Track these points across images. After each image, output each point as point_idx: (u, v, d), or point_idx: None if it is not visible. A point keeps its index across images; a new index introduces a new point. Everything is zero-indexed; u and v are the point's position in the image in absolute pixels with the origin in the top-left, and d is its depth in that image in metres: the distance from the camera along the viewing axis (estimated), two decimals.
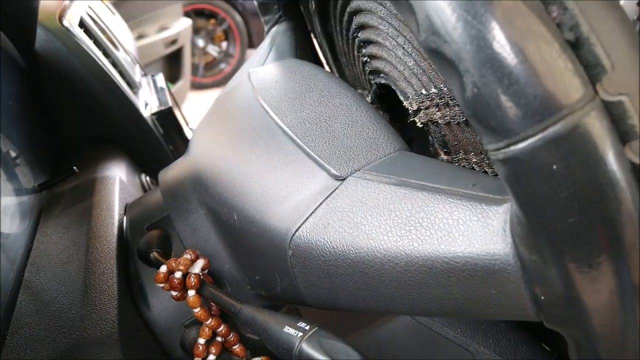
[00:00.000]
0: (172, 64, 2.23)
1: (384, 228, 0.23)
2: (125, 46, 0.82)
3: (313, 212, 0.25)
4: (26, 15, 0.43)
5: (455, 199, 0.22)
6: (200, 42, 3.87)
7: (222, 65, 4.02)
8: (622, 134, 0.18)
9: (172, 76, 2.23)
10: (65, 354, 0.25)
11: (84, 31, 0.61)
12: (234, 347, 0.29)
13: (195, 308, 0.27)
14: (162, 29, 2.10)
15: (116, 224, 0.35)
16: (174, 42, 2.13)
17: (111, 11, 1.22)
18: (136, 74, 0.72)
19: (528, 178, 0.17)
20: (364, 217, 0.24)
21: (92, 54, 0.57)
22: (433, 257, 0.22)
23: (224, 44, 4.04)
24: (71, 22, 0.57)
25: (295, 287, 0.27)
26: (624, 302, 0.19)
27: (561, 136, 0.17)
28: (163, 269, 0.28)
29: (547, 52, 0.17)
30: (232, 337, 0.29)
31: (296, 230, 0.25)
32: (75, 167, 0.44)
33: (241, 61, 4.03)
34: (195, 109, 3.47)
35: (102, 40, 0.64)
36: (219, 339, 0.29)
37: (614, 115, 0.18)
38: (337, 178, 0.26)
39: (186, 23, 2.28)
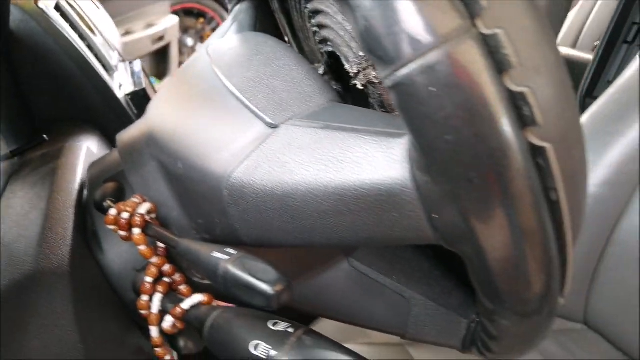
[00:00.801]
0: (159, 61, 2.26)
1: (306, 164, 0.26)
2: (105, 34, 0.84)
3: (248, 156, 0.28)
4: None
5: (367, 135, 0.25)
6: (190, 41, 3.88)
7: None
8: (498, 64, 0.20)
9: (160, 73, 2.26)
10: (19, 283, 0.27)
11: (60, 15, 0.63)
12: (181, 287, 0.32)
13: (140, 245, 0.30)
14: (149, 26, 2.12)
15: (78, 180, 0.38)
16: (161, 38, 2.15)
17: (95, 5, 1.24)
18: (113, 58, 0.75)
19: (411, 101, 0.20)
20: (290, 157, 0.27)
21: (67, 35, 0.59)
22: (345, 186, 0.25)
23: None
24: (47, 5, 0.60)
25: (232, 226, 0.29)
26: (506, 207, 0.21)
27: (438, 61, 0.19)
28: (112, 211, 0.31)
29: None
30: (178, 277, 0.32)
31: (231, 173, 0.28)
32: (45, 136, 0.47)
33: None
34: None
35: (78, 24, 0.67)
36: (165, 279, 0.32)
37: (491, 46, 0.20)
38: (271, 126, 0.29)
39: (173, 20, 2.31)
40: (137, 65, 0.79)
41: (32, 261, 0.29)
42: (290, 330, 0.26)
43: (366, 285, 0.36)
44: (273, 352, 0.25)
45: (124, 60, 0.85)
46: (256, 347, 0.26)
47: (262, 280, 0.25)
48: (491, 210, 0.21)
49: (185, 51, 3.94)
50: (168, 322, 0.30)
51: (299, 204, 0.27)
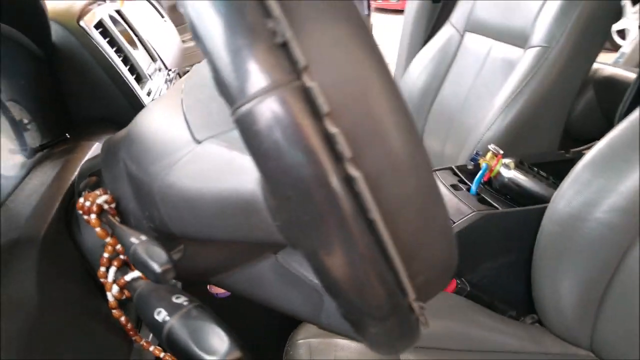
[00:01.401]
0: None
1: (205, 175, 0.33)
2: (153, 46, 0.96)
3: (175, 164, 0.35)
4: (37, 16, 0.56)
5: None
6: None
7: None
8: (315, 110, 0.26)
9: None
10: (10, 240, 0.37)
11: (102, 31, 0.74)
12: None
13: (96, 228, 0.38)
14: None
15: (76, 172, 0.47)
16: None
17: (161, 14, 1.37)
18: (149, 68, 0.85)
19: (247, 134, 0.26)
20: (198, 167, 0.34)
21: (102, 50, 0.70)
22: (227, 193, 0.31)
23: None
24: (88, 23, 0.71)
25: (163, 219, 0.37)
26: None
27: (263, 106, 0.25)
28: (81, 200, 0.39)
29: (257, 51, 0.25)
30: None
31: (162, 177, 0.36)
32: (67, 134, 0.57)
33: None
34: None
35: (118, 39, 0.78)
36: (121, 256, 0.39)
37: (310, 96, 0.26)
38: (197, 141, 0.36)
39: None
40: (172, 73, 0.89)
41: (21, 228, 0.38)
42: (185, 303, 0.33)
43: (288, 277, 0.42)
44: (167, 318, 0.32)
45: (167, 69, 0.96)
46: (159, 313, 0.33)
47: (154, 261, 0.31)
48: (305, 223, 0.27)
49: None
50: (115, 289, 0.38)
51: (201, 205, 0.33)
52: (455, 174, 1.08)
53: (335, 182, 0.26)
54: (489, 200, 0.97)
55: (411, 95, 1.58)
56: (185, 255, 0.40)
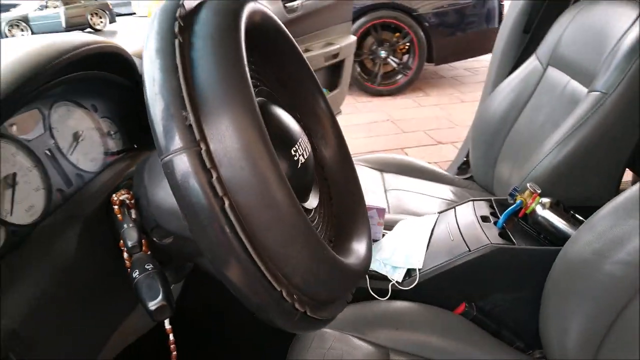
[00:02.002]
0: (332, 74, 2.58)
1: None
2: None
3: (160, 182, 0.53)
4: (122, 61, 0.77)
5: None
6: (383, 53, 4.20)
7: (399, 76, 4.29)
8: (203, 165, 0.42)
9: (331, 84, 2.59)
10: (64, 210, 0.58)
11: None
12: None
13: (117, 214, 0.57)
14: (328, 44, 2.45)
15: (126, 174, 0.67)
16: (335, 55, 2.47)
17: None
18: None
19: (166, 174, 0.43)
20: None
21: None
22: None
23: (405, 57, 4.31)
24: None
25: (156, 218, 0.55)
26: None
27: (173, 159, 0.42)
28: (114, 195, 0.58)
29: (175, 127, 0.42)
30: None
31: (153, 190, 0.54)
32: (135, 145, 0.78)
33: (417, 74, 4.25)
34: (363, 113, 3.81)
35: None
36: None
37: (202, 157, 0.42)
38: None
39: (350, 40, 2.61)
40: None
41: (79, 204, 0.59)
42: (149, 268, 0.51)
43: None
44: (136, 275, 0.50)
45: None
46: (134, 272, 0.51)
47: (148, 299, 0.50)
48: (196, 235, 0.43)
49: (378, 62, 4.27)
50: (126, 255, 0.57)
51: (173, 214, 0.51)
52: (491, 206, 1.14)
53: (214, 205, 0.42)
54: (512, 235, 1.03)
55: (490, 122, 1.62)
56: (174, 243, 0.58)
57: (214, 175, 0.43)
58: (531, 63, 1.55)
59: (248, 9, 0.55)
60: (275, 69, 0.71)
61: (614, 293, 0.82)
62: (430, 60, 4.26)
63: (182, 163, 0.42)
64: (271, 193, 0.44)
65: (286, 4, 2.15)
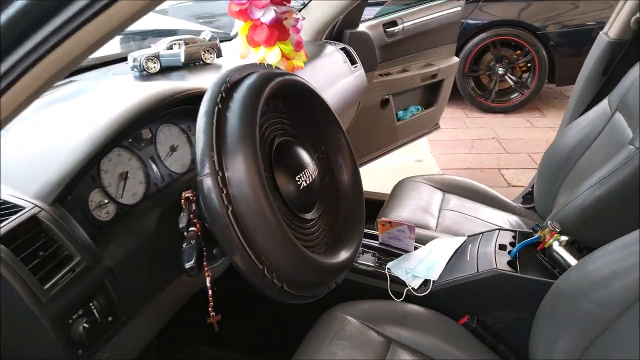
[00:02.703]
0: (430, 92, 2.74)
1: None
2: None
3: None
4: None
5: None
6: (500, 70, 4.19)
7: (514, 95, 4.26)
8: (220, 185, 0.70)
9: (428, 102, 2.75)
10: (157, 195, 0.89)
11: None
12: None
13: (183, 206, 0.86)
14: (427, 65, 2.62)
15: None
16: (434, 76, 2.63)
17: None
18: None
19: (199, 189, 0.72)
20: None
21: None
22: None
23: (524, 75, 4.25)
24: None
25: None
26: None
27: (203, 179, 0.71)
28: (183, 193, 0.88)
29: (206, 162, 0.70)
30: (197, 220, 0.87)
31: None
32: None
33: (535, 93, 4.18)
34: (470, 129, 3.87)
35: None
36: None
37: (219, 180, 0.70)
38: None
39: (452, 61, 2.74)
40: None
41: (165, 195, 0.91)
42: (192, 242, 0.80)
43: None
44: (184, 246, 0.80)
45: None
46: (184, 244, 0.81)
47: (185, 261, 0.78)
48: (217, 234, 0.71)
49: (494, 78, 4.27)
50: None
51: None
52: (514, 237, 1.28)
53: (225, 212, 0.69)
54: (523, 265, 1.17)
55: (558, 156, 1.70)
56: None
57: (224, 192, 0.70)
58: (603, 105, 1.61)
59: (273, 83, 0.81)
60: (303, 115, 0.96)
61: (588, 326, 0.95)
62: (552, 81, 4.16)
63: (207, 182, 0.70)
64: (260, 207, 0.71)
65: (387, 29, 2.37)
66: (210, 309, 0.90)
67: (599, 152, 1.49)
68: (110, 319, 0.76)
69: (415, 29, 2.53)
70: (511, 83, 4.25)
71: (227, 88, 0.78)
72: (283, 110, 0.91)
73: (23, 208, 0.72)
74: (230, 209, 0.70)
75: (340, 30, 2.18)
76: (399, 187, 1.82)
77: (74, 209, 0.79)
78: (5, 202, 0.73)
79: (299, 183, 0.84)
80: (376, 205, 1.81)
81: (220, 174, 0.70)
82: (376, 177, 2.88)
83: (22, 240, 0.70)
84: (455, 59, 2.79)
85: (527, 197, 1.87)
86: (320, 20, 1.99)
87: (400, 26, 2.44)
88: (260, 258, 0.73)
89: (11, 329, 0.68)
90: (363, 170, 2.53)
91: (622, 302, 0.89)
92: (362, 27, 2.27)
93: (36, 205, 0.73)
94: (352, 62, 1.97)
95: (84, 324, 0.71)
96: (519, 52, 4.20)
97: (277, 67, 1.03)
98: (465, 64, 4.16)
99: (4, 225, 0.69)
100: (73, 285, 0.72)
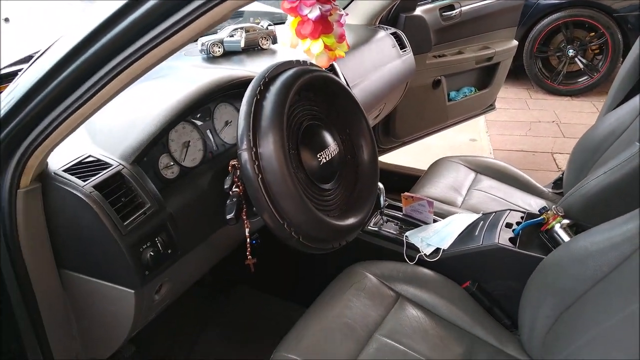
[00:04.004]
0: (486, 74, 2.81)
1: None
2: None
3: None
4: None
5: None
6: (571, 52, 4.10)
7: (583, 78, 4.17)
8: (254, 158, 0.93)
9: (482, 84, 2.82)
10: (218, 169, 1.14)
11: None
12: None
13: (230, 171, 1.10)
14: (484, 48, 2.69)
15: None
16: (489, 59, 2.70)
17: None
18: None
19: (239, 160, 0.95)
20: None
21: None
22: None
23: (597, 58, 4.13)
24: None
25: None
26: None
27: (241, 153, 0.95)
28: (231, 161, 1.11)
29: (245, 139, 0.93)
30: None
31: None
32: None
33: (605, 77, 4.06)
34: (531, 110, 3.86)
35: None
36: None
37: (253, 154, 0.93)
38: None
39: (510, 45, 2.78)
40: None
41: (217, 161, 1.16)
42: (234, 199, 1.03)
43: None
44: (227, 202, 1.04)
45: None
46: (228, 201, 1.05)
47: (226, 213, 1.02)
48: (251, 197, 0.94)
49: (563, 60, 4.19)
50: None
51: None
52: (522, 217, 1.42)
53: (256, 179, 0.92)
54: (523, 242, 1.32)
55: (590, 144, 1.78)
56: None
57: (256, 163, 0.93)
58: (634, 101, 1.67)
59: (302, 80, 1.01)
60: (330, 104, 1.16)
61: (564, 295, 1.10)
62: None
63: (244, 156, 0.93)
64: (283, 177, 0.93)
65: (443, 13, 2.47)
66: (247, 253, 1.14)
67: (620, 146, 1.57)
68: (169, 251, 1.02)
69: (473, 12, 2.60)
70: (581, 66, 4.16)
71: (265, 82, 1.00)
72: (313, 99, 1.12)
73: (111, 165, 0.99)
74: (260, 177, 0.93)
75: (396, 14, 2.32)
76: (435, 166, 1.98)
77: (147, 168, 1.05)
78: (99, 160, 1.00)
79: (320, 159, 1.05)
80: (412, 180, 1.98)
81: (254, 149, 0.93)
82: (427, 154, 3.02)
83: (110, 189, 0.96)
84: (514, 42, 2.83)
85: (558, 183, 1.97)
86: (375, 5, 2.14)
87: (457, 10, 2.53)
88: (282, 215, 0.95)
89: (99, 251, 0.96)
90: (417, 147, 2.70)
91: (592, 278, 1.04)
92: (418, 11, 2.39)
93: (120, 164, 0.99)
94: (402, 46, 2.11)
95: (151, 253, 0.97)
96: (592, 33, 4.08)
97: (311, 63, 1.23)
98: (534, 44, 4.11)
99: (97, 177, 0.96)
100: (144, 224, 0.98)
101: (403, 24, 2.29)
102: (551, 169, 3.01)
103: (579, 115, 3.78)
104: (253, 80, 1.02)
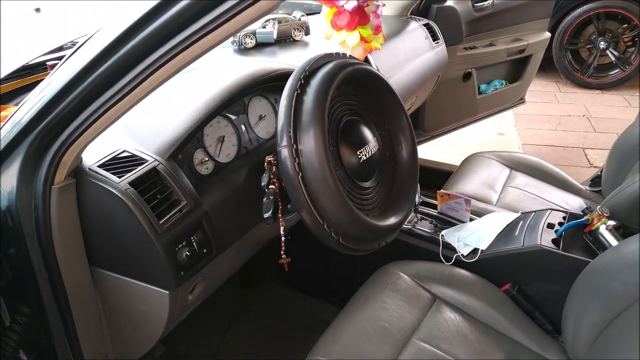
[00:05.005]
0: (517, 67, 2.73)
1: None
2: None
3: None
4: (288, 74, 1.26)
5: None
6: (602, 44, 3.97)
7: (615, 71, 4.04)
8: (294, 155, 0.89)
9: (513, 77, 2.74)
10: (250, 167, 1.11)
11: None
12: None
13: (265, 168, 1.05)
14: (516, 40, 2.61)
15: None
16: (521, 51, 2.62)
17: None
18: None
19: (278, 157, 0.91)
20: None
21: None
22: None
23: (629, 51, 4.00)
24: None
25: None
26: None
27: (281, 149, 0.90)
28: (266, 157, 1.08)
29: (285, 135, 0.89)
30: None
31: None
32: None
33: (639, 70, 3.93)
34: (561, 104, 3.76)
35: None
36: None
37: (293, 151, 0.89)
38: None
39: (543, 37, 2.69)
40: None
41: (252, 157, 1.12)
42: (271, 197, 0.99)
43: None
44: (264, 200, 1.00)
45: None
46: (264, 198, 1.01)
47: (264, 212, 0.98)
48: (290, 194, 0.90)
49: (594, 52, 4.07)
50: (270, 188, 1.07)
51: None
52: (564, 217, 1.37)
53: (296, 176, 0.88)
54: (567, 244, 1.26)
55: (630, 141, 1.71)
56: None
57: (296, 161, 0.89)
58: None
59: (343, 73, 0.97)
60: (370, 98, 1.11)
61: (613, 303, 1.05)
62: None
63: (284, 152, 0.89)
64: (324, 175, 0.89)
65: (475, 4, 2.40)
66: (282, 252, 1.10)
67: None
68: (205, 250, 0.99)
69: (506, 3, 2.53)
70: (612, 58, 4.03)
71: (306, 76, 0.96)
72: (352, 93, 1.07)
73: (146, 161, 0.96)
74: (300, 175, 0.89)
75: (427, 5, 2.25)
76: (467, 162, 1.92)
77: (183, 164, 1.01)
78: (135, 156, 0.97)
79: (359, 156, 1.01)
80: (444, 176, 1.93)
81: (294, 146, 0.89)
82: (454, 148, 2.95)
83: (145, 185, 0.93)
84: (547, 34, 2.74)
85: (596, 181, 1.89)
86: None
87: (489, 1, 2.45)
88: (322, 215, 0.91)
89: (133, 250, 0.93)
90: (442, 141, 2.64)
91: None
92: (449, 2, 2.32)
93: (156, 159, 0.96)
94: (435, 38, 2.05)
95: (187, 252, 0.94)
96: (625, 25, 3.95)
97: (351, 56, 1.18)
98: (564, 36, 3.99)
99: (133, 173, 0.93)
100: (180, 222, 0.94)
101: (435, 15, 2.23)
102: (583, 165, 2.92)
103: (611, 110, 3.67)
104: (293, 74, 0.98)
